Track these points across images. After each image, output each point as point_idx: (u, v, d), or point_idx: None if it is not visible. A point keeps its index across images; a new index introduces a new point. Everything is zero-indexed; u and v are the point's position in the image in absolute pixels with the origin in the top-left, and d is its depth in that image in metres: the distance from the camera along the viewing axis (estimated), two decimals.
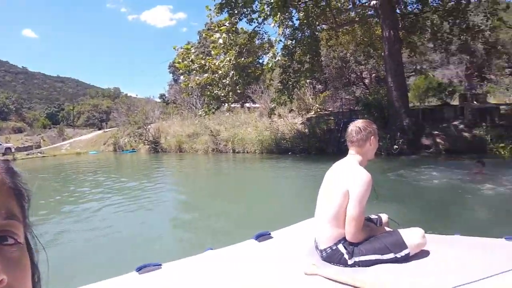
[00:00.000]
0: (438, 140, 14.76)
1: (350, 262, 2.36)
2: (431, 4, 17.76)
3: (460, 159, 12.45)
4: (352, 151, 2.61)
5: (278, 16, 13.69)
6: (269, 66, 14.34)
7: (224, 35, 14.59)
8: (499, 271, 2.00)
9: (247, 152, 19.87)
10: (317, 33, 16.16)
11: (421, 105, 20.24)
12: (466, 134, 14.66)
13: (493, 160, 10.25)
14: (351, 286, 2.05)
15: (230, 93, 15.77)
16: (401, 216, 3.75)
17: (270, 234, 2.97)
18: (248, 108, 27.19)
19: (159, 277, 2.27)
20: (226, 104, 16.90)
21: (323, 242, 2.46)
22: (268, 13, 14.66)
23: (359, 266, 2.35)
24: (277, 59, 14.62)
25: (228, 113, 21.92)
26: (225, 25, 14.82)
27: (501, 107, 16.45)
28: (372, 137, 2.57)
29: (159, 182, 12.44)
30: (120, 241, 5.66)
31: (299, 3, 15.46)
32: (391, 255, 2.33)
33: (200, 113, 18.54)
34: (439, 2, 17.66)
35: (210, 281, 2.22)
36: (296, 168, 13.61)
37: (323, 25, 18.59)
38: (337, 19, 18.16)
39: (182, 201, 9.12)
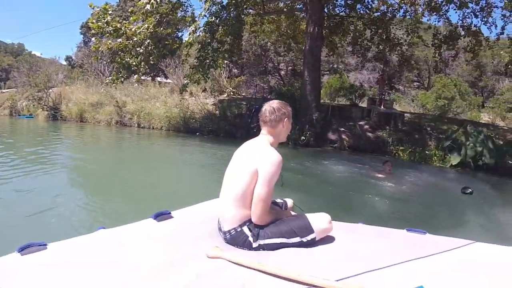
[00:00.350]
0: (343, 136, 15.42)
1: (254, 245, 2.27)
2: (358, 10, 18.29)
3: (362, 156, 13.24)
4: (264, 131, 2.51)
5: None
6: (189, 39, 13.86)
7: (153, 1, 13.72)
8: (401, 260, 2.10)
9: (153, 128, 19.13)
10: (243, 16, 15.90)
11: (332, 103, 21.01)
12: (370, 134, 15.48)
13: (393, 161, 10.92)
14: (255, 269, 1.94)
15: (143, 63, 14.92)
16: (306, 204, 3.75)
17: (170, 213, 2.78)
18: (159, 82, 26.19)
19: (44, 258, 1.99)
20: (136, 75, 16.08)
21: (227, 224, 2.33)
22: None
23: (263, 249, 2.26)
24: (198, 34, 14.20)
25: (136, 84, 20.89)
26: None
27: (405, 114, 17.59)
28: (285, 119, 2.50)
29: (55, 152, 11.45)
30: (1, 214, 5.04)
31: None
32: (297, 239, 2.28)
33: (107, 80, 17.29)
34: (366, 10, 18.24)
35: (101, 262, 1.97)
36: (203, 148, 13.36)
37: (250, 10, 18.37)
38: (265, 6, 18.11)
39: (78, 174, 8.43)
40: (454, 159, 12.59)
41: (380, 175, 8.99)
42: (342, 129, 15.80)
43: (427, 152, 13.60)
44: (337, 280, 1.84)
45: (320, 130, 15.16)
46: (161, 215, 2.70)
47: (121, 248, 2.18)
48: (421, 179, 9.81)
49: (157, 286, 1.77)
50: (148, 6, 13.61)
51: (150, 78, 24.65)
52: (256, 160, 2.29)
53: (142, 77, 18.19)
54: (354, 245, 2.39)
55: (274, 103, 2.53)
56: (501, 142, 13.56)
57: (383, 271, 1.99)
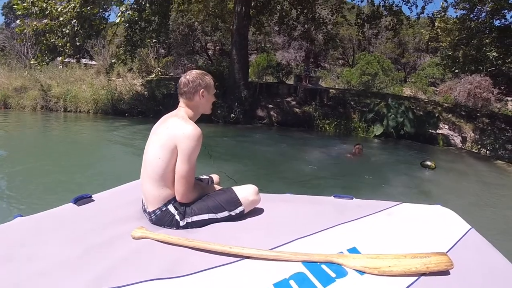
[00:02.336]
0: (272, 113, 15.65)
1: (182, 223, 2.19)
2: None
3: (290, 131, 13.71)
4: (182, 103, 2.37)
5: None
6: (120, 21, 13.36)
7: None
8: (332, 225, 2.17)
9: (80, 112, 18.18)
10: None
11: (259, 81, 21.11)
12: (297, 110, 15.81)
13: (320, 134, 11.22)
14: (184, 246, 1.89)
15: (68, 44, 14.18)
16: (236, 178, 3.72)
17: (91, 196, 2.60)
18: (85, 64, 24.93)
19: None
20: (61, 56, 15.20)
21: (151, 204, 2.22)
22: None
23: (192, 227, 2.20)
24: (128, 13, 13.63)
25: (61, 66, 19.73)
26: None
27: (330, 90, 18.08)
28: (201, 90, 2.32)
29: None
30: None
31: None
32: (225, 213, 2.24)
33: (32, 61, 16.29)
34: None
35: (20, 253, 1.81)
36: (132, 130, 12.96)
37: None
38: None
39: None
40: (377, 130, 13.32)
41: (349, 155, 9.15)
42: (270, 105, 16.01)
43: (352, 124, 14.27)
44: (270, 249, 1.85)
45: (248, 108, 15.28)
46: (81, 199, 2.52)
47: (40, 236, 2.02)
48: (347, 150, 10.11)
49: (78, 272, 1.65)
50: None
51: (75, 60, 23.44)
52: (174, 135, 2.15)
53: (67, 60, 17.30)
54: (283, 214, 2.40)
55: (190, 74, 2.36)
56: (421, 113, 14.49)
57: (315, 236, 2.04)
